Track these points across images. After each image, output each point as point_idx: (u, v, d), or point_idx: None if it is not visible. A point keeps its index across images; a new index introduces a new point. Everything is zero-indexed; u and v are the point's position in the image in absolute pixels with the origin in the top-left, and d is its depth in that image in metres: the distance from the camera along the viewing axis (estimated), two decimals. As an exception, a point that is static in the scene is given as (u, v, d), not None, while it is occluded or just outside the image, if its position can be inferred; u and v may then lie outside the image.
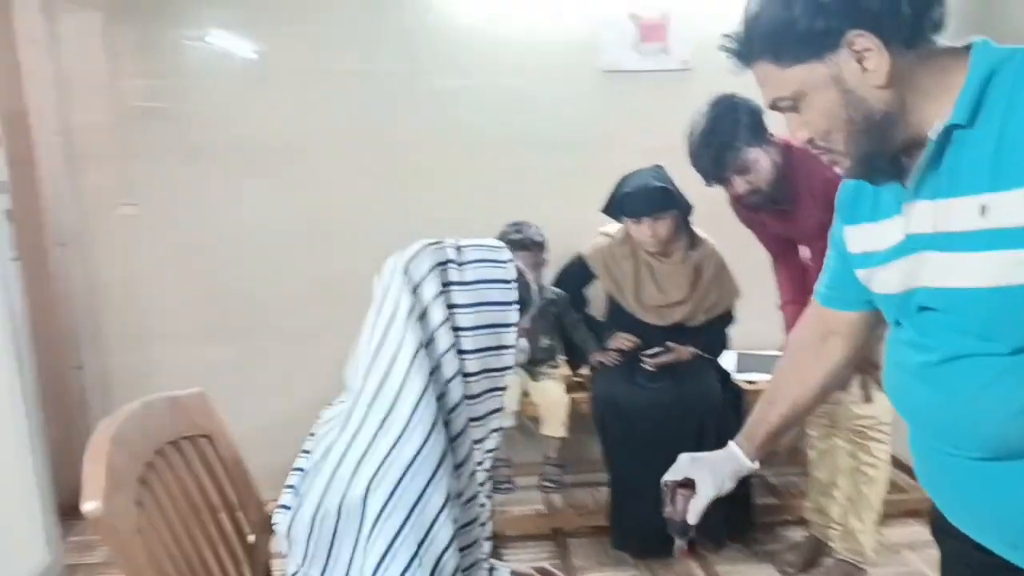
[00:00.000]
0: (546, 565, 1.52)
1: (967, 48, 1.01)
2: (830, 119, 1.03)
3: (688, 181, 2.38)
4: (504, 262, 1.25)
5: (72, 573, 2.60)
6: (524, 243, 2.66)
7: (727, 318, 2.77)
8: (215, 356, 3.07)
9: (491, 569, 1.41)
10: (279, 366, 3.05)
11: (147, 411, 1.29)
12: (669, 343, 2.64)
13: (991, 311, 0.98)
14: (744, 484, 2.61)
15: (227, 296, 3.08)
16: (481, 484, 1.28)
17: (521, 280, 1.27)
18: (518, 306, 1.24)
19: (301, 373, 2.86)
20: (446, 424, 1.17)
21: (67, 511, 2.55)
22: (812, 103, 1.03)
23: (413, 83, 3.03)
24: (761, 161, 2.18)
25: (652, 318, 2.69)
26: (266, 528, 1.44)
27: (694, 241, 2.68)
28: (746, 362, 2.95)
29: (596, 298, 2.90)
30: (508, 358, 1.25)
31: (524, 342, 2.64)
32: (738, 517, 2.63)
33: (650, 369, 2.60)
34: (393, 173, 3.06)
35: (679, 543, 1.32)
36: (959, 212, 0.99)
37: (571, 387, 2.81)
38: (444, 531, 1.11)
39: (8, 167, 2.43)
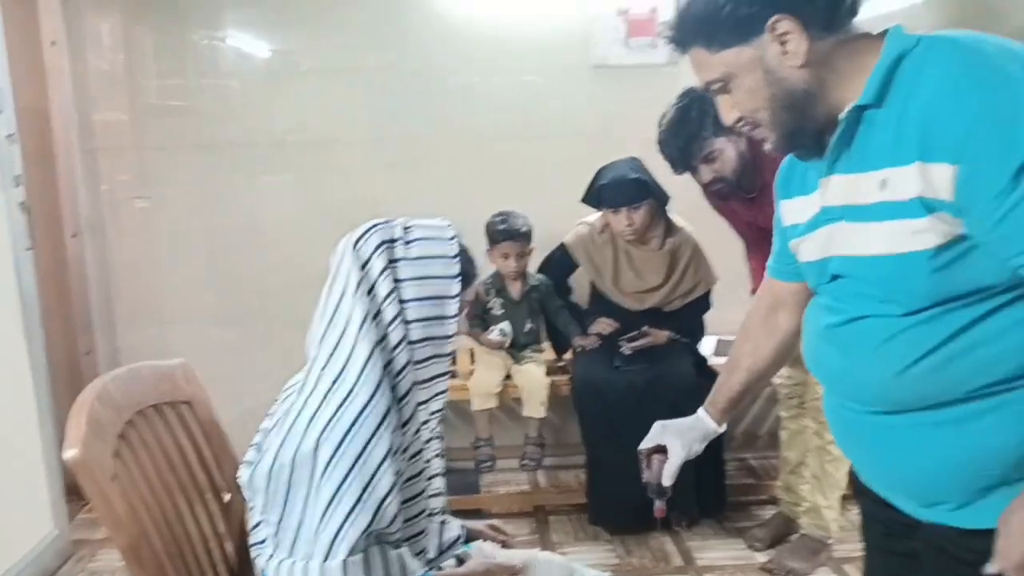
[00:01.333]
0: (495, 522, 1.65)
1: (885, 34, 1.09)
2: (756, 98, 1.12)
3: (668, 171, 2.48)
4: (448, 239, 1.38)
5: (78, 548, 2.76)
6: (509, 232, 2.78)
7: (704, 304, 2.89)
8: (221, 340, 3.24)
9: (443, 523, 1.54)
10: (281, 350, 3.19)
11: (132, 376, 1.43)
12: (646, 328, 2.76)
13: (888, 276, 1.08)
14: (716, 464, 2.77)
15: (235, 284, 3.24)
16: (427, 442, 1.41)
17: (464, 256, 1.40)
18: (460, 279, 1.37)
19: (301, 357, 2.99)
20: (393, 387, 1.30)
21: (74, 489, 2.67)
22: (740, 84, 1.11)
23: (416, 80, 3.15)
24: (727, 151, 2.29)
25: (630, 303, 2.82)
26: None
27: (671, 229, 2.81)
28: (724, 347, 3.04)
29: (581, 287, 3.03)
30: (451, 327, 1.37)
31: (508, 326, 2.79)
32: (711, 496, 2.75)
33: (627, 353, 2.72)
34: (395, 167, 3.19)
35: (658, 504, 1.45)
36: (865, 186, 1.08)
37: (553, 370, 2.93)
38: (386, 479, 1.24)
39: (24, 161, 2.59)
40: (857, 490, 1.33)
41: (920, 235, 1.02)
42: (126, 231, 3.19)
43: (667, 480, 1.41)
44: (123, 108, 3.16)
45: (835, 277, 1.18)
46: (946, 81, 1.00)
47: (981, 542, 1.07)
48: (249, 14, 3.13)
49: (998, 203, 0.96)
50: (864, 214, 1.08)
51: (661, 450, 1.43)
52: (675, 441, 1.41)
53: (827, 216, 1.15)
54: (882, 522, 1.30)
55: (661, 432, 1.44)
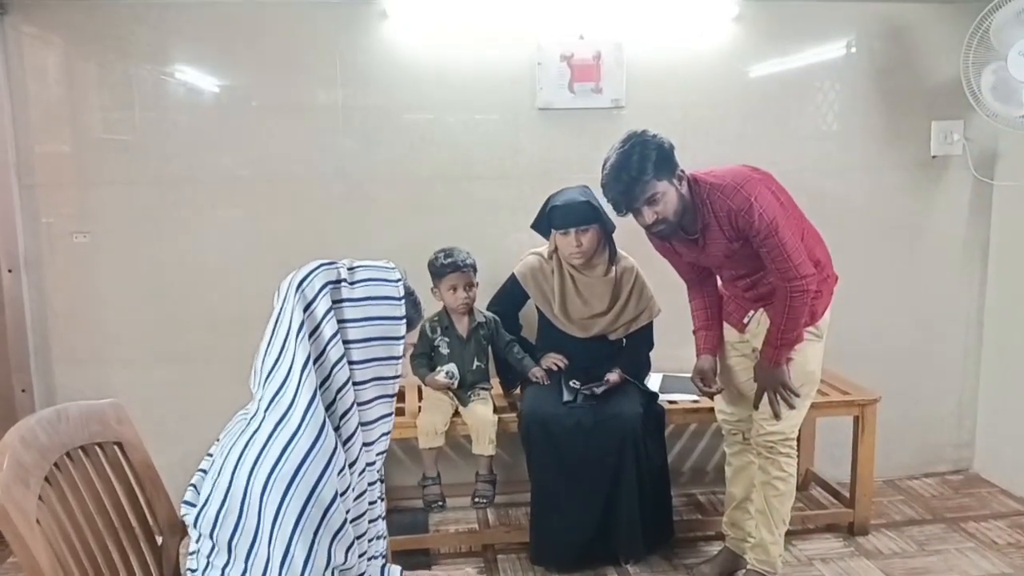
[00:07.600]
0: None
1: None
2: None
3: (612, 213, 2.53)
4: (394, 281, 1.38)
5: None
6: (455, 264, 2.76)
7: (648, 339, 2.93)
8: (162, 380, 3.16)
9: (384, 566, 1.52)
10: (223, 390, 3.12)
11: (59, 416, 1.40)
12: (608, 376, 2.77)
13: None
14: (664, 499, 2.77)
15: (177, 323, 3.17)
16: (371, 484, 1.39)
17: (410, 298, 1.40)
18: (405, 320, 1.36)
19: (245, 397, 2.94)
20: (337, 429, 1.29)
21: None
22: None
23: (367, 117, 3.16)
24: (668, 194, 2.32)
25: (576, 330, 2.86)
26: (175, 530, 1.54)
27: (615, 256, 2.87)
28: (669, 383, 3.08)
29: (530, 323, 3.04)
30: (397, 367, 1.37)
31: (454, 368, 2.78)
32: (658, 531, 2.76)
33: (577, 388, 2.72)
34: (344, 204, 3.18)
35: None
36: None
37: (501, 408, 2.92)
38: (337, 517, 1.24)
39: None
40: None
41: None
42: (65, 267, 3.12)
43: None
44: (65, 141, 3.11)
45: None
46: None
47: None
48: (197, 49, 3.10)
49: None
50: None
51: None
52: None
53: None
54: None
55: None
